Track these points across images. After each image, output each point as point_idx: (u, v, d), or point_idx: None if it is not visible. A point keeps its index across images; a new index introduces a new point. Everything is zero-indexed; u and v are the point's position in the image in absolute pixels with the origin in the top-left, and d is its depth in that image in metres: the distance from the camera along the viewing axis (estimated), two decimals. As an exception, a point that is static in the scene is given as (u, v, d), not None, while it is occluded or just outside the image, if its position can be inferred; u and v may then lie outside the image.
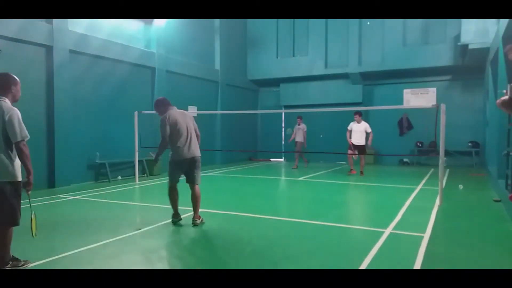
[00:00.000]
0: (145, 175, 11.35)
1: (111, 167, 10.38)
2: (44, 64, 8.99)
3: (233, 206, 7.07)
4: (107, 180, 10.20)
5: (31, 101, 8.55)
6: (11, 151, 3.60)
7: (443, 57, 13.79)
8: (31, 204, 3.90)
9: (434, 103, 10.58)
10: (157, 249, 4.54)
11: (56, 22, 9.02)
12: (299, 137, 13.71)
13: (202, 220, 5.59)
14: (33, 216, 3.81)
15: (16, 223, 3.64)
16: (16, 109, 3.63)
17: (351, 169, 11.77)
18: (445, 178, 10.60)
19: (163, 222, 5.66)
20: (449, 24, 13.65)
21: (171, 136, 5.40)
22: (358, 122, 11.46)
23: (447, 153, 11.77)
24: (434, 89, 14.66)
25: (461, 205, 7.15)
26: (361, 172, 11.52)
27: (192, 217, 5.54)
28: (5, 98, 3.64)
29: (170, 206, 5.65)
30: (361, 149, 11.51)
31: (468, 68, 13.64)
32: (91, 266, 3.90)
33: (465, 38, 11.75)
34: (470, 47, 11.59)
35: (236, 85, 16.73)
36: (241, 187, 9.80)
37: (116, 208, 6.87)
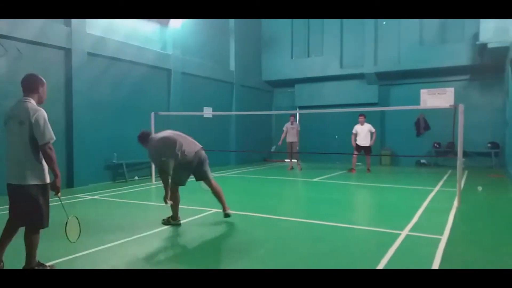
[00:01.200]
0: (161, 175, 11.43)
1: (128, 168, 10.52)
2: (63, 67, 9.17)
3: (248, 206, 7.08)
4: (124, 180, 10.34)
5: (50, 103, 8.65)
6: (39, 153, 3.51)
7: (461, 56, 13.54)
8: (64, 207, 3.92)
9: (452, 103, 10.44)
10: (172, 248, 4.58)
11: (74, 25, 9.20)
12: (292, 137, 13.26)
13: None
14: (69, 219, 3.78)
15: (43, 226, 3.58)
16: (42, 109, 3.56)
17: (352, 168, 12.23)
18: (464, 179, 10.41)
19: (185, 220, 5.70)
20: (467, 22, 13.40)
21: (173, 153, 5.37)
22: (362, 124, 12.01)
23: (465, 154, 11.58)
24: (452, 89, 14.42)
25: (480, 207, 7.02)
26: (368, 169, 12.06)
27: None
28: (31, 99, 3.58)
29: (187, 206, 5.71)
30: (367, 149, 12.06)
31: (487, 67, 13.36)
32: (107, 265, 3.96)
33: (484, 37, 11.52)
34: (489, 46, 11.35)
35: (251, 86, 16.75)
36: (255, 187, 9.81)
37: (133, 208, 6.96)
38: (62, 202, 3.82)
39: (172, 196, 5.42)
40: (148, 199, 8.02)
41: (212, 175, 5.72)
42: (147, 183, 10.04)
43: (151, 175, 10.35)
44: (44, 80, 3.82)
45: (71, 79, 9.20)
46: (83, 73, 9.44)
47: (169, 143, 5.40)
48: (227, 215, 5.66)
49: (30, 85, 3.64)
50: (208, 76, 13.97)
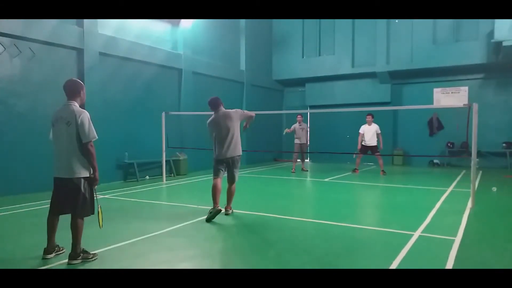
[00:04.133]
0: (172, 175, 11.51)
1: (139, 167, 10.59)
2: (75, 67, 9.26)
3: (258, 206, 7.06)
4: (135, 179, 10.41)
5: (63, 103, 8.81)
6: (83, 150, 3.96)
7: (475, 54, 13.32)
8: (97, 198, 4.24)
9: (466, 102, 10.27)
10: (183, 248, 4.58)
11: (86, 25, 9.28)
12: (301, 138, 12.73)
13: (232, 211, 6.26)
14: (99, 209, 4.19)
15: (89, 213, 4.04)
16: (86, 111, 4.03)
17: (356, 169, 12.21)
18: (478, 180, 10.24)
19: (190, 222, 5.72)
20: (482, 20, 13.16)
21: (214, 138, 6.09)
22: (369, 124, 11.89)
23: (479, 154, 11.40)
24: (466, 88, 14.20)
25: (494, 208, 6.89)
26: (382, 171, 11.78)
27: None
28: (75, 102, 4.06)
29: (195, 206, 5.77)
30: (373, 149, 11.90)
31: (502, 65, 13.13)
32: (119, 264, 3.98)
33: (498, 35, 11.32)
34: (504, 44, 11.15)
35: (261, 86, 16.73)
36: (265, 187, 9.79)
37: (144, 207, 7.00)
38: (96, 194, 4.21)
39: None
40: (159, 199, 8.05)
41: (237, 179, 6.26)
42: (158, 183, 10.09)
43: (162, 174, 10.40)
44: (83, 84, 4.27)
45: (83, 79, 9.27)
46: (95, 73, 9.52)
47: (216, 134, 6.25)
48: (226, 214, 6.14)
49: (73, 89, 4.12)
50: (219, 76, 13.99)
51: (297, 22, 16.98)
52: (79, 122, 3.89)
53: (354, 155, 12.00)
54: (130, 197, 8.01)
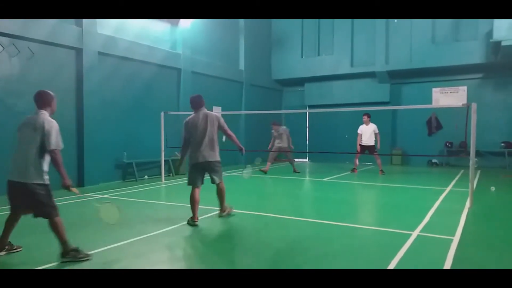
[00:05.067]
0: (171, 174, 11.51)
1: (138, 167, 10.59)
2: (74, 66, 9.25)
3: (257, 206, 7.06)
4: (134, 179, 10.41)
5: (61, 103, 8.70)
6: (43, 158, 4.03)
7: (474, 54, 13.33)
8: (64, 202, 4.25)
9: (465, 102, 10.27)
10: (181, 248, 4.59)
11: (85, 25, 9.27)
12: (283, 142, 12.28)
13: (228, 212, 6.03)
14: (102, 206, 4.46)
15: (55, 215, 4.04)
16: (54, 121, 4.09)
17: (354, 168, 12.23)
18: (476, 179, 10.26)
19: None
20: (481, 20, 13.17)
21: (188, 140, 5.78)
22: (367, 124, 11.91)
23: (478, 154, 11.41)
24: (465, 87, 14.22)
25: (493, 208, 6.91)
26: (381, 171, 11.76)
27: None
28: (44, 111, 4.13)
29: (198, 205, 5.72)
30: (371, 149, 11.89)
31: (501, 65, 13.14)
32: (118, 263, 3.99)
33: (497, 35, 11.33)
34: (503, 43, 11.16)
35: (260, 85, 16.73)
36: (264, 187, 9.79)
37: (143, 206, 6.99)
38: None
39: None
40: (158, 198, 8.05)
41: (221, 179, 5.89)
42: (157, 182, 10.09)
43: (160, 174, 10.40)
44: (53, 94, 4.31)
45: (82, 78, 9.28)
46: (94, 73, 9.51)
47: (193, 136, 5.80)
48: (220, 216, 5.99)
49: (43, 100, 4.18)
50: (218, 75, 13.99)
51: (296, 22, 16.98)
52: (45, 130, 3.95)
53: (357, 154, 11.95)
54: (129, 196, 8.01)
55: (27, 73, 8.24)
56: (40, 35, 8.38)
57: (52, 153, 3.98)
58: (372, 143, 11.85)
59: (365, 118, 11.95)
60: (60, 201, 7.18)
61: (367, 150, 11.93)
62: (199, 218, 5.62)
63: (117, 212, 4.49)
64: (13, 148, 4.16)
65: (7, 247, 4.22)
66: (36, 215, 4.04)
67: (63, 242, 4.00)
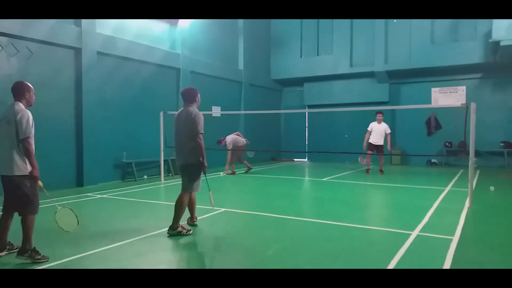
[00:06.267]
0: (170, 174, 11.50)
1: (137, 167, 10.58)
2: (73, 66, 9.24)
3: (256, 206, 7.06)
4: (134, 179, 10.40)
5: (60, 103, 8.82)
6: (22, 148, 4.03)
7: (473, 54, 13.34)
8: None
9: (464, 102, 10.27)
10: (181, 248, 4.58)
11: (84, 25, 9.26)
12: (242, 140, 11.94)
13: (180, 232, 4.96)
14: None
15: (33, 212, 4.05)
16: (27, 110, 4.08)
17: (368, 169, 11.95)
18: (475, 179, 10.27)
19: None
20: (480, 20, 13.20)
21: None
22: (379, 123, 11.48)
23: (477, 154, 11.40)
24: (464, 87, 14.21)
25: (492, 207, 6.91)
26: (380, 171, 11.64)
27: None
28: (19, 102, 4.14)
29: (196, 205, 5.67)
30: (380, 149, 11.64)
31: (500, 65, 13.16)
32: (118, 264, 3.98)
33: (496, 35, 11.35)
34: (502, 43, 11.18)
35: (260, 85, 16.73)
36: (264, 187, 9.79)
37: (142, 206, 6.99)
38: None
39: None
40: (157, 198, 8.05)
41: (187, 188, 5.15)
42: (156, 182, 10.08)
43: (160, 174, 10.40)
44: (30, 86, 4.32)
45: (81, 78, 9.27)
46: (93, 73, 9.50)
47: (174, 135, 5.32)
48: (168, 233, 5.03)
49: (18, 91, 4.21)
50: (217, 75, 13.98)
51: (295, 22, 16.99)
52: (17, 120, 3.95)
53: (362, 161, 11.67)
54: (128, 196, 8.00)
55: (26, 73, 8.23)
56: (39, 35, 8.37)
57: (23, 141, 3.96)
58: (381, 142, 11.52)
59: (379, 116, 11.48)
60: (61, 200, 7.19)
61: (375, 149, 11.61)
62: (197, 218, 5.62)
63: (74, 219, 4.40)
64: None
65: (8, 247, 4.22)
66: (18, 211, 4.04)
67: (27, 240, 3.99)
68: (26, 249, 3.99)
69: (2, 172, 4.03)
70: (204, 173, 5.13)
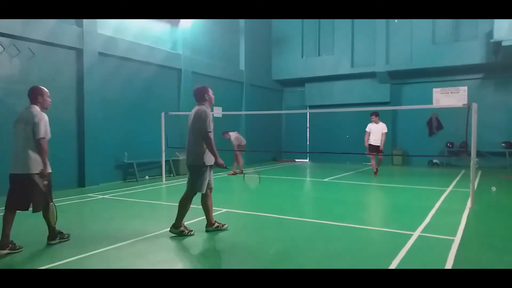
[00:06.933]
0: (172, 175, 11.50)
1: (138, 167, 10.58)
2: (75, 67, 9.25)
3: (258, 206, 7.06)
4: (135, 179, 10.40)
5: (62, 103, 8.82)
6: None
7: (474, 54, 13.33)
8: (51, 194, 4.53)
9: (465, 102, 10.26)
10: (182, 248, 4.58)
11: (86, 25, 9.28)
12: (242, 140, 12.08)
13: (183, 231, 4.96)
14: (54, 207, 4.51)
15: (40, 208, 4.34)
16: (44, 114, 4.40)
17: (375, 171, 11.52)
18: (477, 179, 10.25)
19: (190, 222, 5.69)
20: (481, 20, 13.18)
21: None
22: (376, 123, 11.35)
23: (479, 154, 11.39)
24: (465, 87, 14.22)
25: (494, 208, 6.90)
26: (375, 173, 11.44)
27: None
28: (35, 105, 4.43)
29: (195, 206, 5.62)
30: (378, 150, 11.43)
31: (502, 65, 13.14)
32: (119, 264, 3.98)
33: (498, 35, 11.33)
34: (504, 44, 11.16)
35: (261, 86, 16.73)
36: (265, 187, 9.77)
37: (144, 207, 6.99)
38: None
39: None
40: (158, 199, 8.05)
41: (190, 188, 5.03)
42: (158, 183, 10.08)
43: (161, 174, 10.40)
44: (44, 90, 4.58)
45: (82, 79, 9.28)
46: (94, 73, 9.51)
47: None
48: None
49: (32, 95, 4.50)
50: (218, 76, 13.99)
51: (296, 22, 16.99)
52: (35, 122, 4.26)
53: (372, 155, 11.52)
54: (130, 197, 8.00)
55: (27, 74, 8.25)
56: (41, 35, 8.39)
57: (39, 141, 4.24)
58: (379, 143, 11.36)
59: (374, 117, 11.37)
60: (63, 201, 7.20)
61: (375, 150, 11.36)
62: (199, 218, 5.62)
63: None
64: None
65: (10, 245, 4.25)
66: (33, 208, 4.29)
67: (53, 227, 4.47)
68: (55, 234, 4.50)
69: (15, 170, 4.25)
70: (225, 167, 5.00)
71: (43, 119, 4.31)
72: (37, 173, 4.24)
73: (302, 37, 17.07)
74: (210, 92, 5.30)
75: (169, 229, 5.03)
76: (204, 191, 5.08)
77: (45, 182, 4.33)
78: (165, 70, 11.84)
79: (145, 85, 11.12)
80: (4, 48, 7.87)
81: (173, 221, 5.04)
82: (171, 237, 4.95)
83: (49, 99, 4.58)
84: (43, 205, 4.36)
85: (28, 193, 4.23)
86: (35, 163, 4.24)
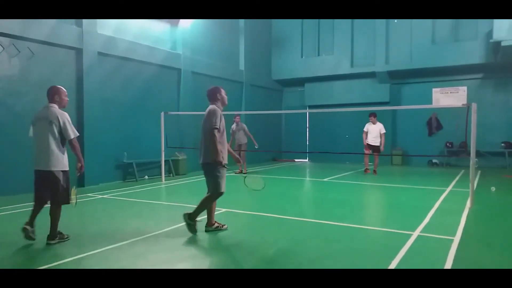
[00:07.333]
0: (171, 175, 11.50)
1: (138, 167, 10.58)
2: (74, 67, 9.25)
3: (257, 206, 7.06)
4: (134, 179, 10.40)
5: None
6: (63, 146, 4.63)
7: (474, 54, 13.33)
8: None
9: (465, 102, 10.25)
10: (182, 248, 4.58)
11: (85, 25, 9.27)
12: (239, 139, 12.02)
13: (193, 226, 5.06)
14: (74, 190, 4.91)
15: (66, 202, 4.65)
16: (65, 113, 4.65)
17: (366, 168, 11.98)
18: (476, 179, 10.26)
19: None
20: (481, 20, 13.20)
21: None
22: (374, 123, 11.57)
23: (478, 154, 11.40)
24: (465, 87, 14.07)
25: (493, 208, 6.90)
26: (374, 171, 11.68)
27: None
28: (54, 104, 4.68)
29: (194, 206, 5.62)
30: (376, 149, 11.68)
31: (501, 65, 13.15)
32: (118, 264, 3.98)
33: (497, 35, 11.33)
34: (503, 44, 11.16)
35: (261, 85, 16.73)
36: (265, 187, 9.76)
37: (143, 207, 6.99)
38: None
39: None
40: (158, 199, 8.05)
41: (211, 189, 5.07)
42: (157, 183, 10.08)
43: (160, 174, 10.40)
44: (61, 89, 4.85)
45: (82, 78, 9.28)
46: (94, 73, 9.51)
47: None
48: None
49: (49, 94, 4.74)
50: (218, 76, 13.98)
51: (296, 22, 16.99)
52: (61, 123, 4.53)
53: (366, 154, 11.74)
54: (129, 197, 8.00)
55: (27, 74, 8.24)
56: (40, 35, 8.38)
57: (71, 141, 4.60)
58: (378, 143, 11.58)
59: (372, 118, 11.59)
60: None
61: (372, 150, 11.65)
62: (199, 218, 5.61)
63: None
64: (14, 148, 4.30)
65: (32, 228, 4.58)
66: (52, 202, 4.56)
67: (55, 227, 4.57)
68: (56, 234, 4.58)
69: (41, 167, 4.48)
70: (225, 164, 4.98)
71: (67, 119, 4.59)
72: (61, 170, 4.53)
73: (301, 37, 17.07)
74: (223, 92, 5.35)
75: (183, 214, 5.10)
76: (223, 190, 5.07)
77: (82, 171, 4.73)
78: (165, 70, 11.84)
79: (145, 85, 11.12)
80: (3, 48, 7.86)
81: (181, 222, 5.10)
82: (171, 237, 4.95)
83: (66, 98, 4.83)
84: (66, 200, 4.63)
85: (53, 188, 4.50)
86: (58, 161, 4.50)
